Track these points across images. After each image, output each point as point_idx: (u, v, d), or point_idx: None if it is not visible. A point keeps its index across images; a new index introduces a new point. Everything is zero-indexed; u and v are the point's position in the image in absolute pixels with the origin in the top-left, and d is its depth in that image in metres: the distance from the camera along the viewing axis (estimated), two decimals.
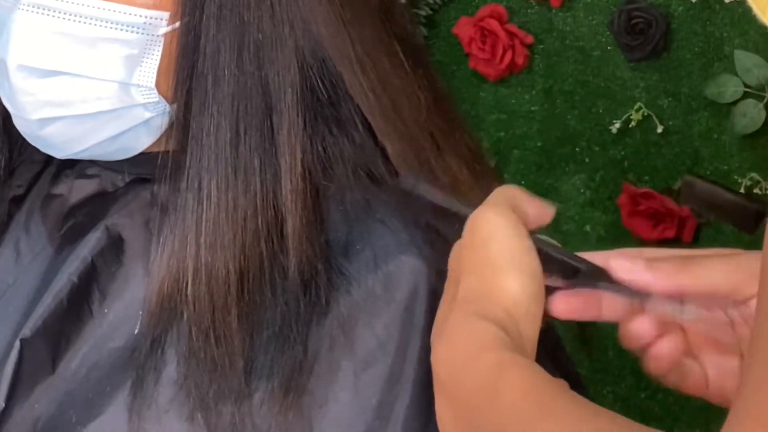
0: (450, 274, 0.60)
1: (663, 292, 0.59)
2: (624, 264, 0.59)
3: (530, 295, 0.56)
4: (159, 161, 0.73)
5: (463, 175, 0.75)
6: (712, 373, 0.61)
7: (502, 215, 0.58)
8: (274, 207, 0.71)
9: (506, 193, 0.59)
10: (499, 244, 0.57)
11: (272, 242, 0.70)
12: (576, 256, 0.61)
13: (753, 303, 0.55)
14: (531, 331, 0.56)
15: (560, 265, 0.61)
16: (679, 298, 0.59)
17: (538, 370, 0.52)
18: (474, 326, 0.54)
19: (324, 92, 0.71)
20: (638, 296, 0.60)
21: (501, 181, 0.79)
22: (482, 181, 0.77)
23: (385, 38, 0.74)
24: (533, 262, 0.57)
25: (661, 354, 0.60)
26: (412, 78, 0.75)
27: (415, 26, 0.77)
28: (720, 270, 0.59)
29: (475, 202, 0.61)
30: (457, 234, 0.60)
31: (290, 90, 0.70)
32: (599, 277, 0.61)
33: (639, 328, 0.60)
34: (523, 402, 0.51)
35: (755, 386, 0.41)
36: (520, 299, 0.55)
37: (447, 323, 0.56)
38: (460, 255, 0.59)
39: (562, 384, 0.52)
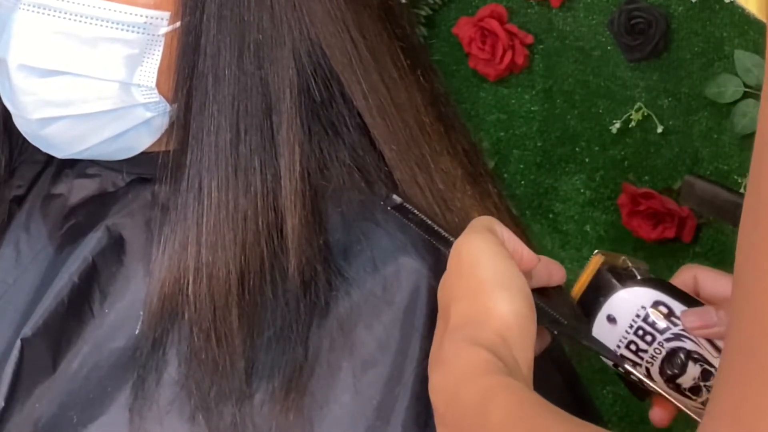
0: (440, 305, 0.60)
1: None
2: (696, 322, 0.62)
3: (521, 314, 0.56)
4: (160, 161, 0.73)
5: (459, 176, 0.75)
6: None
7: (485, 240, 0.59)
8: (273, 207, 0.71)
9: (483, 221, 0.61)
10: (484, 268, 0.57)
11: (272, 242, 0.70)
12: (560, 307, 0.63)
13: None
14: (526, 350, 0.57)
15: (545, 314, 0.62)
16: None
17: (527, 392, 0.53)
18: (465, 353, 0.55)
19: (320, 93, 0.71)
20: (617, 359, 0.63)
21: (497, 183, 0.79)
22: (479, 182, 0.77)
23: (386, 39, 0.74)
24: (520, 281, 0.57)
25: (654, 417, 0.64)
26: (411, 79, 0.75)
27: (414, 26, 0.77)
28: None
29: (465, 212, 0.62)
30: (444, 258, 0.61)
31: (289, 90, 0.70)
32: (581, 334, 0.63)
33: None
34: (511, 425, 0.51)
35: (726, 386, 0.42)
36: (511, 319, 0.56)
37: (440, 353, 0.57)
38: (445, 284, 0.60)
39: (550, 407, 0.52)
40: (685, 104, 1.60)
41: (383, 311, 0.69)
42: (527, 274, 0.62)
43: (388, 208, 0.68)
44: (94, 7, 0.69)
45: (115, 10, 0.69)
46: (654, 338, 0.65)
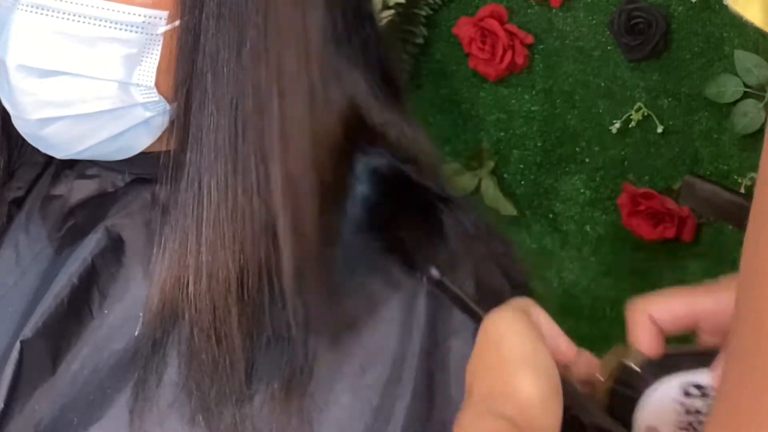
0: (467, 386, 0.60)
1: None
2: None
3: (545, 392, 0.56)
4: (159, 161, 0.73)
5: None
6: None
7: (514, 317, 0.58)
8: (268, 207, 0.71)
9: (520, 302, 0.60)
10: (510, 344, 0.57)
11: (269, 242, 0.70)
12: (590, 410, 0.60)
13: None
14: (550, 427, 0.56)
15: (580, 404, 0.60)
16: None
17: None
18: (485, 422, 0.54)
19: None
20: None
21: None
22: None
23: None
24: (546, 360, 0.56)
25: None
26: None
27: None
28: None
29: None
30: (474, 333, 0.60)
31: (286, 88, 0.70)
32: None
33: None
34: None
35: (721, 395, 0.42)
36: (534, 397, 0.55)
37: (461, 423, 0.56)
38: (473, 360, 0.59)
39: None
40: (685, 104, 1.60)
41: (384, 311, 0.69)
42: (564, 363, 0.61)
43: (425, 282, 0.68)
44: (92, 6, 0.68)
45: (113, 10, 0.69)
46: (702, 420, 0.62)
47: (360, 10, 0.75)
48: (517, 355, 0.56)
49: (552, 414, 0.56)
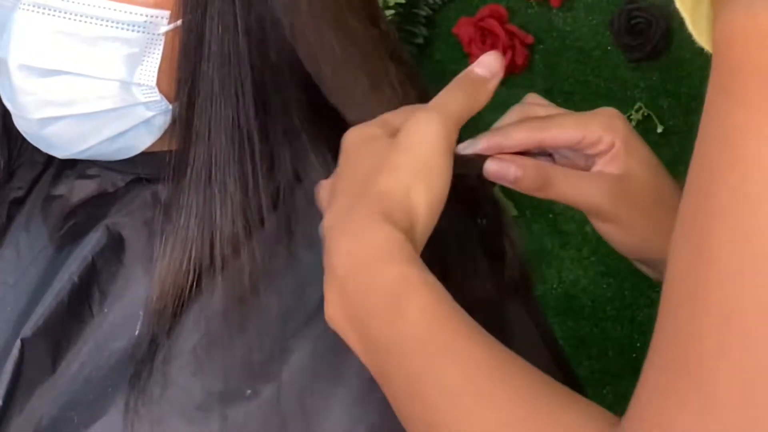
0: (350, 158, 0.62)
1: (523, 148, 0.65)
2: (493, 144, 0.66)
3: (431, 207, 0.59)
4: (160, 161, 0.73)
5: None
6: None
7: (442, 128, 0.60)
8: (274, 202, 0.71)
9: (451, 108, 0.62)
10: (424, 151, 0.59)
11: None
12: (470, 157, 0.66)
13: (602, 159, 0.66)
14: (421, 239, 0.59)
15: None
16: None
17: (444, 293, 0.54)
18: (380, 227, 0.56)
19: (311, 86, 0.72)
20: None
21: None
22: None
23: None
24: (445, 175, 0.59)
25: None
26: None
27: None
28: (569, 132, 0.66)
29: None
30: None
31: (284, 86, 0.71)
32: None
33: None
34: (426, 328, 0.53)
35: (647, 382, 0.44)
36: (421, 209, 0.58)
37: (351, 217, 0.58)
38: (380, 146, 0.61)
39: (467, 319, 0.53)
40: (685, 104, 1.60)
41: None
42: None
43: None
44: (94, 6, 0.68)
45: (115, 9, 0.69)
46: None
47: (370, 8, 0.75)
48: (426, 163, 0.59)
49: (430, 224, 0.59)
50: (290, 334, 0.69)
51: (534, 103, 0.72)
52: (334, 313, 0.57)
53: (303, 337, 0.69)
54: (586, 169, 0.68)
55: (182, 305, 0.70)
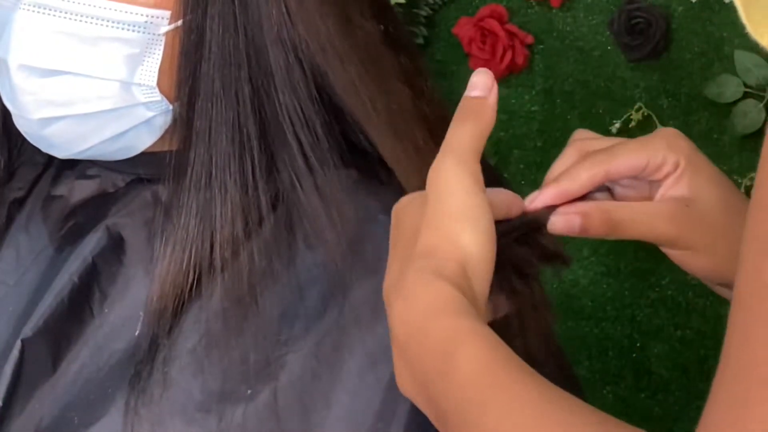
0: (400, 224, 0.61)
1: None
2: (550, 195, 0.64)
3: (482, 247, 0.57)
4: (160, 161, 0.73)
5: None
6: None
7: (468, 173, 0.58)
8: (273, 203, 0.71)
9: (460, 151, 0.60)
10: (458, 199, 0.57)
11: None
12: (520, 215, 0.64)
13: (668, 181, 0.64)
14: (484, 283, 0.57)
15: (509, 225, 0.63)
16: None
17: (495, 341, 0.53)
18: (431, 286, 0.55)
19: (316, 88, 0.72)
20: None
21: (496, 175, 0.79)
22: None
23: (384, 47, 0.74)
24: (487, 217, 0.57)
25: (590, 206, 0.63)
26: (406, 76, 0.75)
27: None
28: (634, 158, 0.64)
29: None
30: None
31: (289, 87, 0.71)
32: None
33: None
34: (478, 378, 0.51)
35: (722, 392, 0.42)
36: (473, 251, 0.56)
37: (404, 281, 0.56)
38: (414, 207, 0.60)
39: (521, 364, 0.52)
40: (685, 104, 1.60)
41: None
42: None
43: None
44: (94, 6, 0.69)
45: (115, 10, 0.69)
46: None
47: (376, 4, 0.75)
48: (465, 210, 0.57)
49: (488, 266, 0.57)
50: (290, 335, 0.69)
51: (585, 139, 0.69)
52: (403, 382, 0.56)
53: (303, 338, 0.69)
54: (651, 197, 0.66)
55: (182, 305, 0.70)
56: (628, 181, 0.67)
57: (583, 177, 0.64)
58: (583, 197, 0.65)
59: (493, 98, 0.63)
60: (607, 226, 0.63)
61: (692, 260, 0.65)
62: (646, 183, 0.66)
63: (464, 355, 0.52)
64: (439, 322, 0.54)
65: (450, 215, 0.57)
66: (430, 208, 0.58)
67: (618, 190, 0.67)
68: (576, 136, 0.69)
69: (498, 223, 0.61)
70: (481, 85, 0.63)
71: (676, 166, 0.64)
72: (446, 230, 0.57)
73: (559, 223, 0.63)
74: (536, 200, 0.64)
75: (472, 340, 0.53)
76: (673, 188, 0.65)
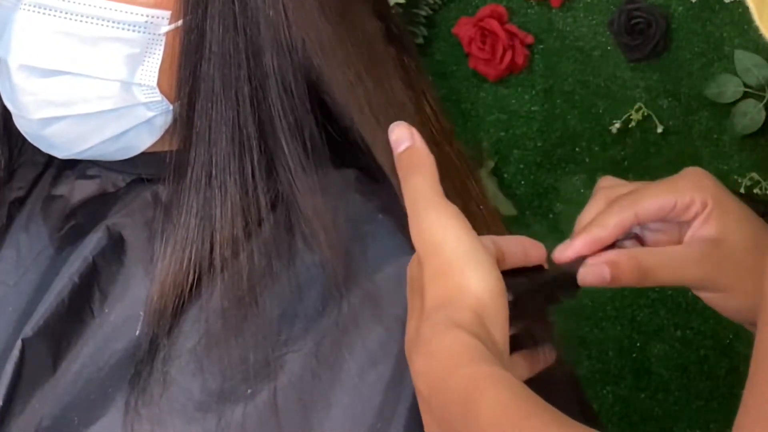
0: (412, 284, 0.60)
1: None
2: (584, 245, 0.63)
3: (492, 289, 0.56)
4: (160, 161, 0.73)
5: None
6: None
7: (450, 217, 0.58)
8: (272, 203, 0.71)
9: (425, 193, 0.60)
10: (451, 246, 0.57)
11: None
12: (542, 270, 0.63)
13: (696, 222, 0.62)
14: (501, 327, 0.56)
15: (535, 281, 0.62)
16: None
17: (514, 384, 0.52)
18: (446, 337, 0.55)
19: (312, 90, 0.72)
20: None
21: (477, 178, 0.79)
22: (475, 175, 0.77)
23: (386, 48, 0.74)
24: (486, 256, 0.57)
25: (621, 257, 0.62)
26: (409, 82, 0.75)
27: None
28: (661, 199, 0.63)
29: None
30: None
31: (280, 84, 0.71)
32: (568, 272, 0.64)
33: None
34: (500, 420, 0.51)
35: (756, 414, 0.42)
36: (484, 296, 0.56)
37: (420, 337, 0.56)
38: (415, 267, 0.59)
39: (542, 403, 0.52)
40: (685, 104, 1.60)
41: (385, 312, 0.69)
42: (500, 255, 0.62)
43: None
44: (95, 6, 0.69)
45: (116, 10, 0.69)
46: None
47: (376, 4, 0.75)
48: (461, 255, 0.56)
49: (501, 310, 0.56)
50: (289, 334, 0.69)
51: (611, 186, 0.68)
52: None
53: (302, 337, 0.69)
54: (682, 240, 0.65)
55: (182, 305, 0.70)
56: (658, 225, 0.66)
57: (613, 223, 0.63)
58: (611, 246, 0.64)
59: (419, 141, 0.61)
60: (637, 273, 0.62)
61: (724, 302, 0.64)
62: (675, 225, 0.65)
63: (485, 401, 0.52)
64: (458, 372, 0.53)
65: (449, 265, 0.56)
66: (426, 264, 0.58)
67: (648, 235, 0.66)
68: (601, 184, 0.68)
69: (527, 275, 0.61)
70: (401, 137, 0.62)
71: (705, 206, 0.63)
72: (450, 280, 0.56)
73: (589, 275, 0.63)
74: (567, 250, 0.64)
75: (492, 385, 0.52)
76: (701, 228, 0.63)
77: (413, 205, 0.59)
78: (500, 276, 0.57)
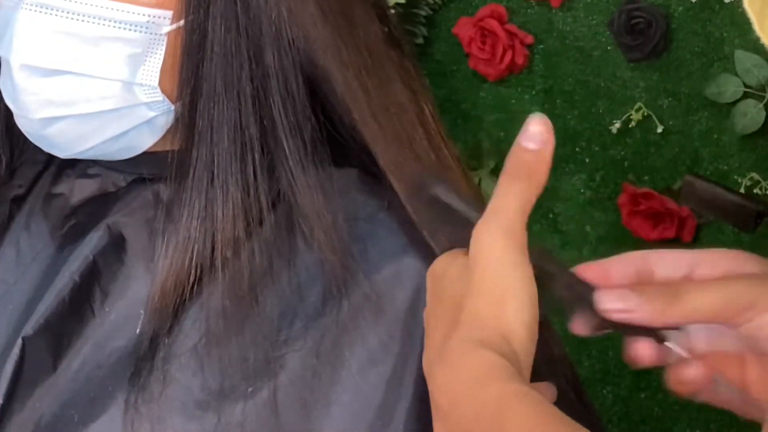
0: (438, 293, 0.59)
1: (657, 327, 0.57)
2: (615, 305, 0.57)
3: (529, 325, 0.55)
4: (161, 161, 0.73)
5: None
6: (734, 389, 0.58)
7: (511, 241, 0.56)
8: (273, 203, 0.71)
9: (509, 214, 0.58)
10: (503, 275, 0.56)
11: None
12: (580, 280, 0.59)
13: (747, 325, 0.55)
14: (527, 360, 0.56)
15: (568, 288, 0.60)
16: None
17: (544, 403, 0.52)
18: (476, 354, 0.54)
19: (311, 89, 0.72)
20: (650, 333, 0.59)
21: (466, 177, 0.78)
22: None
23: (392, 54, 0.75)
24: (532, 290, 0.56)
25: (683, 379, 0.58)
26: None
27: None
28: (710, 302, 0.56)
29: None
30: (463, 242, 0.59)
31: (279, 83, 0.71)
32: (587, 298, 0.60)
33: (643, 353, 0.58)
34: None
35: None
36: (520, 328, 0.55)
37: (446, 349, 0.55)
38: (458, 273, 0.58)
39: (570, 422, 0.52)
40: (685, 104, 1.60)
41: (385, 311, 0.69)
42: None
43: (416, 183, 0.65)
44: (96, 6, 0.69)
45: (117, 9, 0.69)
46: None
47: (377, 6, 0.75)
48: (511, 284, 0.55)
49: (530, 344, 0.56)
50: (289, 334, 0.69)
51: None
52: None
53: (302, 337, 0.69)
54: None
55: (183, 304, 0.70)
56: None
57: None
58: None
59: (549, 152, 0.58)
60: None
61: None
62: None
63: (514, 417, 0.51)
64: (487, 388, 0.53)
65: (496, 289, 0.55)
66: (476, 278, 0.56)
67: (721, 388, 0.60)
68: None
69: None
70: (538, 136, 0.59)
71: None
72: (492, 304, 0.55)
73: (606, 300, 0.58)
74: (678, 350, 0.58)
75: (520, 402, 0.52)
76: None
77: (493, 209, 0.57)
78: (537, 312, 0.56)
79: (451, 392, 0.54)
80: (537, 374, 0.59)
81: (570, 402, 0.75)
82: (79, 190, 0.79)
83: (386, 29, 0.75)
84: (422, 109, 0.76)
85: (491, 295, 0.55)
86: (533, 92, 1.71)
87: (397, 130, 0.73)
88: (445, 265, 0.60)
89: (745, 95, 1.53)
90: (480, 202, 0.77)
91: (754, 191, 1.56)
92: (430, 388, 0.56)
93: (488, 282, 0.56)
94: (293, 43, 0.70)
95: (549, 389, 0.65)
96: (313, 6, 0.70)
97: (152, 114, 0.72)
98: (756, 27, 0.45)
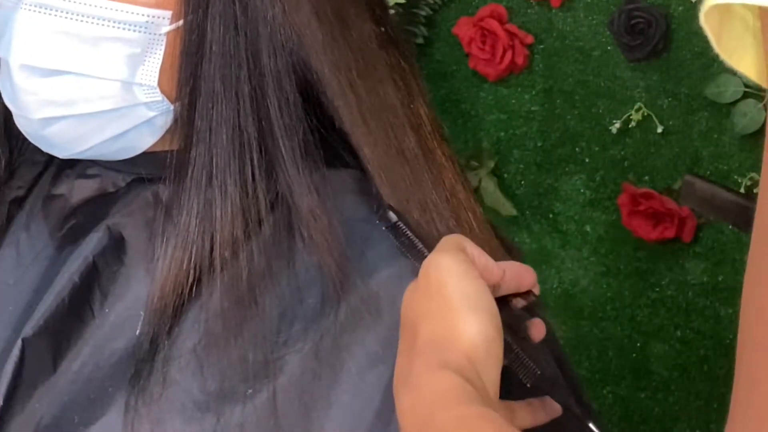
0: (404, 320, 0.60)
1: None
2: None
3: (488, 336, 0.56)
4: (161, 161, 0.73)
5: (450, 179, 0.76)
6: None
7: (455, 259, 0.59)
8: (272, 204, 0.71)
9: (453, 240, 0.61)
10: (453, 288, 0.57)
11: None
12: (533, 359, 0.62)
13: None
14: (492, 372, 0.57)
15: (518, 361, 0.62)
16: None
17: (503, 425, 0.52)
18: (436, 377, 0.55)
19: (309, 90, 0.72)
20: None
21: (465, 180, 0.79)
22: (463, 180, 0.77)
23: (380, 51, 0.74)
24: (488, 302, 0.57)
25: None
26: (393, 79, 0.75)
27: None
28: None
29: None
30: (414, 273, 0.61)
31: (280, 83, 0.71)
32: (555, 389, 0.63)
33: None
34: None
35: (747, 387, 0.41)
36: (478, 342, 0.56)
37: (410, 374, 0.56)
38: (413, 301, 0.59)
39: None
40: (685, 104, 1.60)
41: (385, 312, 0.69)
42: (496, 285, 0.63)
43: (383, 226, 0.69)
44: (96, 6, 0.69)
45: (117, 10, 0.69)
46: None
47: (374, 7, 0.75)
48: (461, 299, 0.57)
49: (494, 356, 0.56)
50: (289, 335, 0.69)
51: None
52: None
53: (302, 338, 0.69)
54: None
55: (182, 305, 0.70)
56: None
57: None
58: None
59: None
60: None
61: None
62: None
63: None
64: (446, 412, 0.54)
65: (448, 304, 0.57)
66: (425, 299, 0.58)
67: None
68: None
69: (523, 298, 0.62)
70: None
71: None
72: (447, 320, 0.56)
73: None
74: None
75: (480, 426, 0.52)
76: None
77: (438, 246, 0.61)
78: (498, 322, 0.57)
79: (416, 416, 0.55)
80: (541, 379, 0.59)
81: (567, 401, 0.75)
82: (79, 190, 0.79)
83: (382, 30, 0.75)
84: (415, 112, 0.76)
85: (445, 311, 0.57)
86: (533, 92, 1.71)
87: (386, 132, 0.73)
88: (408, 292, 0.62)
89: (745, 95, 1.53)
90: (478, 203, 0.77)
91: (754, 191, 1.56)
92: (397, 411, 0.56)
93: (440, 299, 0.57)
94: (286, 44, 0.70)
95: (548, 405, 0.66)
96: (307, 7, 0.70)
97: (151, 114, 0.72)
98: (714, 44, 0.46)
